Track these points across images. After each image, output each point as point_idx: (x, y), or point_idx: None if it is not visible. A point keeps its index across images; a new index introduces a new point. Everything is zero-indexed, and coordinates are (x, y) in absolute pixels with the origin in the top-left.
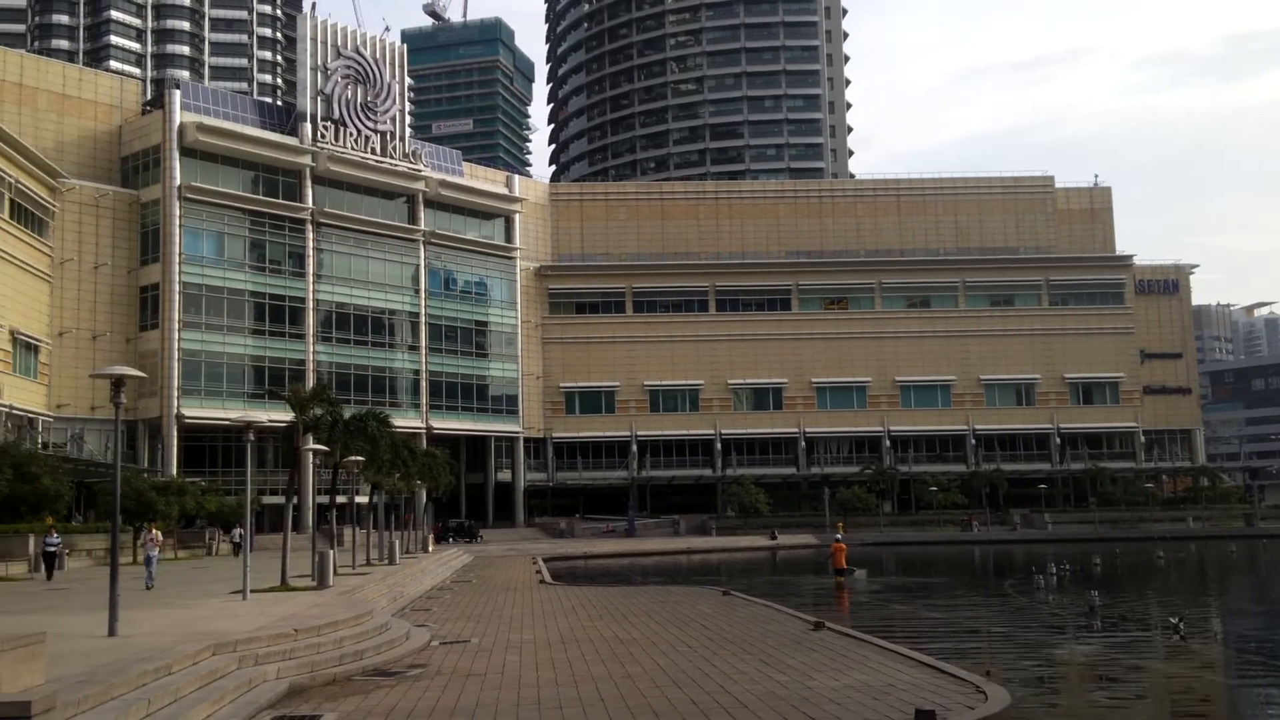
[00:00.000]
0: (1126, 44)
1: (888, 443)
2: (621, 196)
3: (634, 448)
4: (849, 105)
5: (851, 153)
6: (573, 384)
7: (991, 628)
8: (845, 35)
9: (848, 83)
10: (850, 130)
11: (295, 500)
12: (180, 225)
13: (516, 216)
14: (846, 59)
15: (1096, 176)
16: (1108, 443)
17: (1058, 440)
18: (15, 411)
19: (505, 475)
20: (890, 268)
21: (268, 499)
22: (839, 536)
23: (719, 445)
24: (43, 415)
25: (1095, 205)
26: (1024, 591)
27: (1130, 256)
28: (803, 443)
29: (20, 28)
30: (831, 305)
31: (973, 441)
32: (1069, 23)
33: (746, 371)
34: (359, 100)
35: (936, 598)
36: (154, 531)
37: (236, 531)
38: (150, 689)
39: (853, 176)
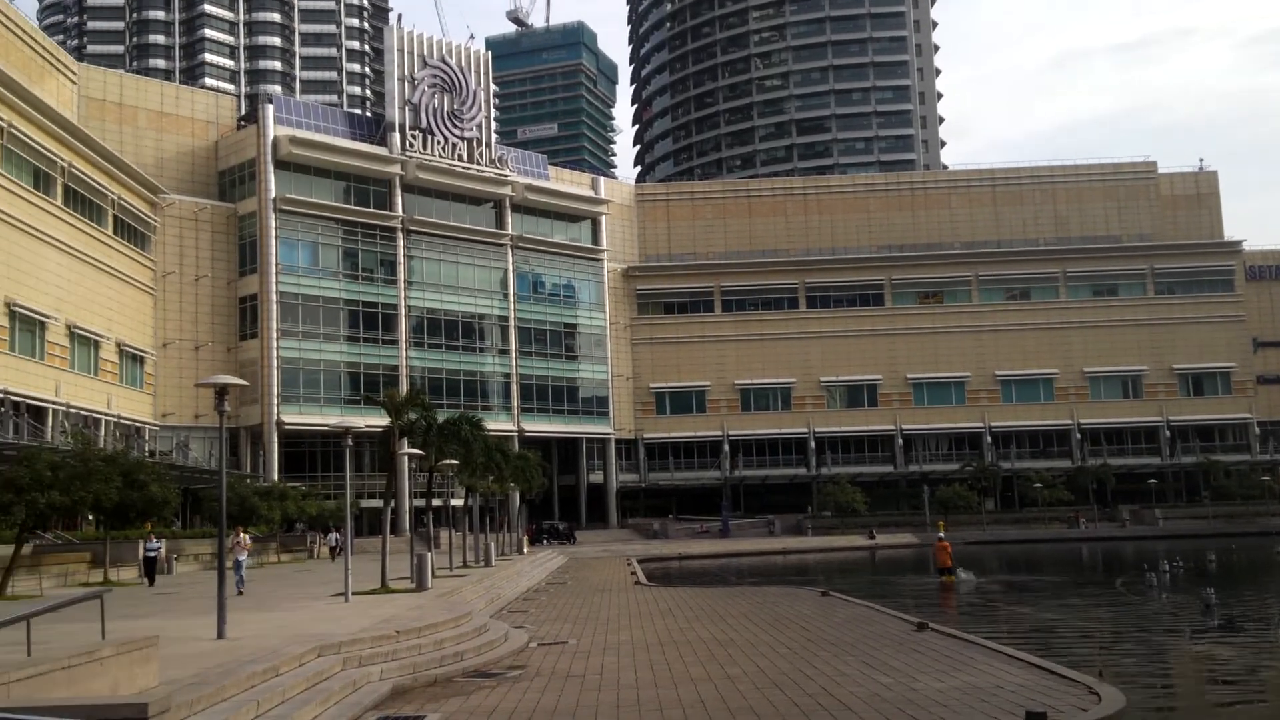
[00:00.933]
0: (1233, 23)
1: (989, 439)
2: (708, 195)
3: (726, 447)
4: (940, 95)
5: (944, 143)
6: (663, 384)
7: (1103, 627)
8: (934, 24)
9: (938, 72)
10: (942, 121)
11: (392, 504)
12: (276, 236)
13: (603, 218)
14: (936, 48)
15: (1201, 160)
16: (1220, 435)
17: (1167, 433)
18: (123, 421)
19: (597, 477)
20: (987, 259)
21: (365, 503)
22: (942, 535)
23: (813, 444)
24: (149, 424)
25: (1201, 190)
26: (1136, 590)
27: (1240, 242)
28: (899, 440)
29: (119, 49)
30: (926, 299)
31: (1078, 436)
32: (1173, 2)
33: (839, 368)
34: (445, 108)
35: (1044, 597)
36: (242, 536)
37: (333, 535)
38: (259, 690)
39: (945, 168)
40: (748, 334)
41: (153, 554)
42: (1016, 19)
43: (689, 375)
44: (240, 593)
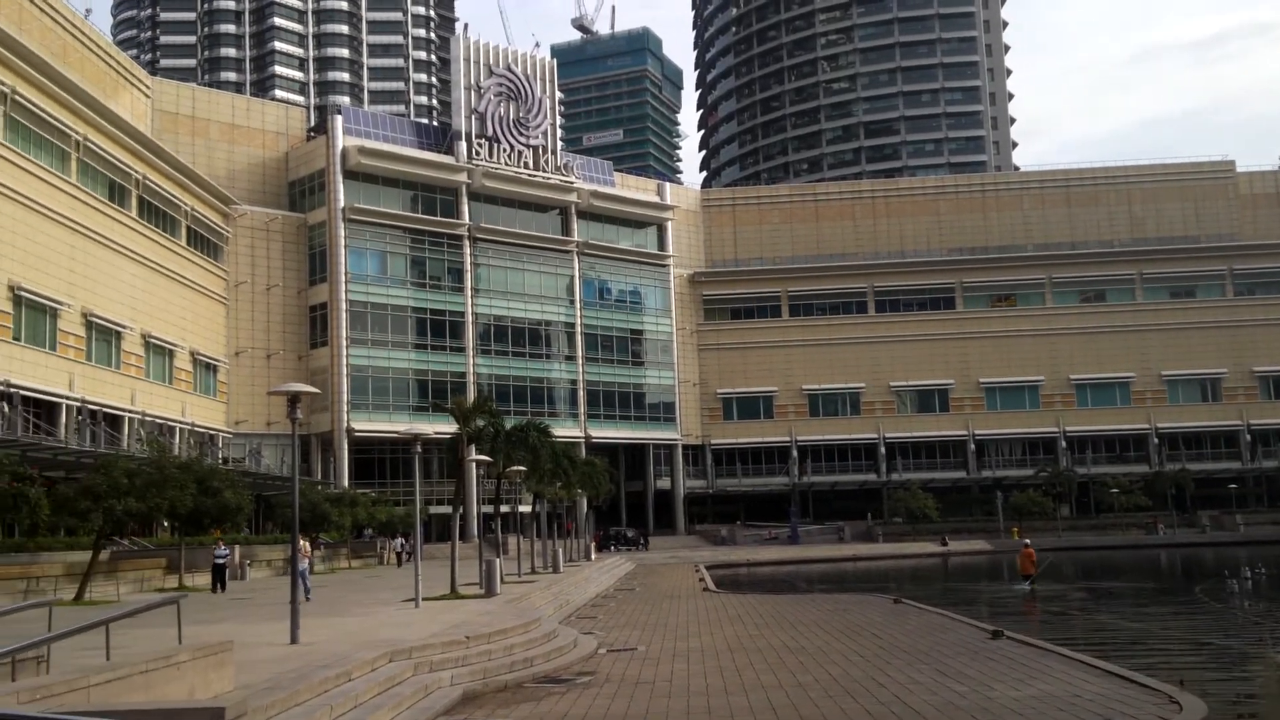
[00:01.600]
0: None
1: (1063, 444)
2: (774, 200)
3: (794, 453)
4: (1011, 96)
5: (1015, 144)
6: (730, 390)
7: (1183, 635)
8: (1005, 24)
9: (1009, 72)
10: (1013, 121)
11: (461, 510)
12: (345, 245)
13: (669, 224)
14: (1007, 48)
15: None
16: None
17: (1248, 437)
18: (197, 429)
19: (664, 483)
20: (1061, 262)
21: (434, 509)
22: (1027, 541)
23: (883, 449)
24: (222, 431)
25: None
26: (1217, 597)
27: None
28: (972, 445)
29: (191, 63)
30: (998, 302)
31: (1155, 440)
32: None
33: (910, 373)
34: (511, 116)
35: (1122, 604)
36: (304, 544)
37: (398, 541)
38: (332, 695)
39: (1017, 169)
40: (815, 339)
41: (221, 561)
42: (1090, 17)
43: (756, 381)
44: (307, 599)
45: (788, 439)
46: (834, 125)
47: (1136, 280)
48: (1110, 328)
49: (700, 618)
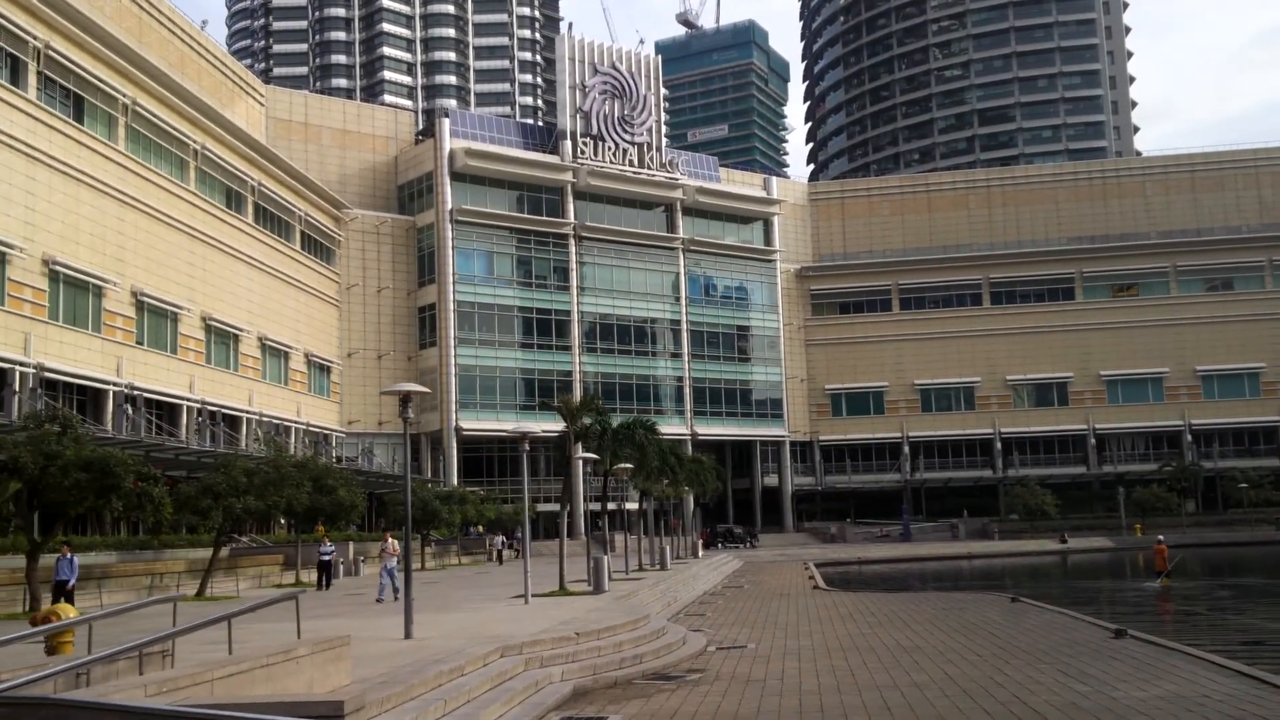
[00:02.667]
0: None
1: (1189, 437)
2: (884, 191)
3: (905, 449)
4: (1132, 79)
5: (1137, 129)
6: (838, 385)
7: None
8: (1125, 4)
9: (1130, 55)
10: (1134, 105)
11: (568, 508)
12: (453, 247)
13: (775, 218)
14: (1128, 30)
15: None
16: None
17: None
18: (312, 428)
19: (772, 480)
20: (1186, 249)
21: (542, 506)
22: (1161, 538)
23: (998, 445)
24: (335, 431)
25: None
26: None
27: None
28: (1092, 440)
29: (303, 70)
30: (1120, 292)
31: None
32: None
33: (1027, 366)
34: (616, 114)
35: (1253, 603)
36: (390, 541)
37: (500, 539)
38: (446, 690)
39: (1139, 154)
40: (928, 332)
41: (326, 558)
42: None
43: (866, 376)
44: (396, 598)
45: (899, 435)
46: (946, 114)
47: (1266, 267)
48: (1238, 316)
49: (811, 615)
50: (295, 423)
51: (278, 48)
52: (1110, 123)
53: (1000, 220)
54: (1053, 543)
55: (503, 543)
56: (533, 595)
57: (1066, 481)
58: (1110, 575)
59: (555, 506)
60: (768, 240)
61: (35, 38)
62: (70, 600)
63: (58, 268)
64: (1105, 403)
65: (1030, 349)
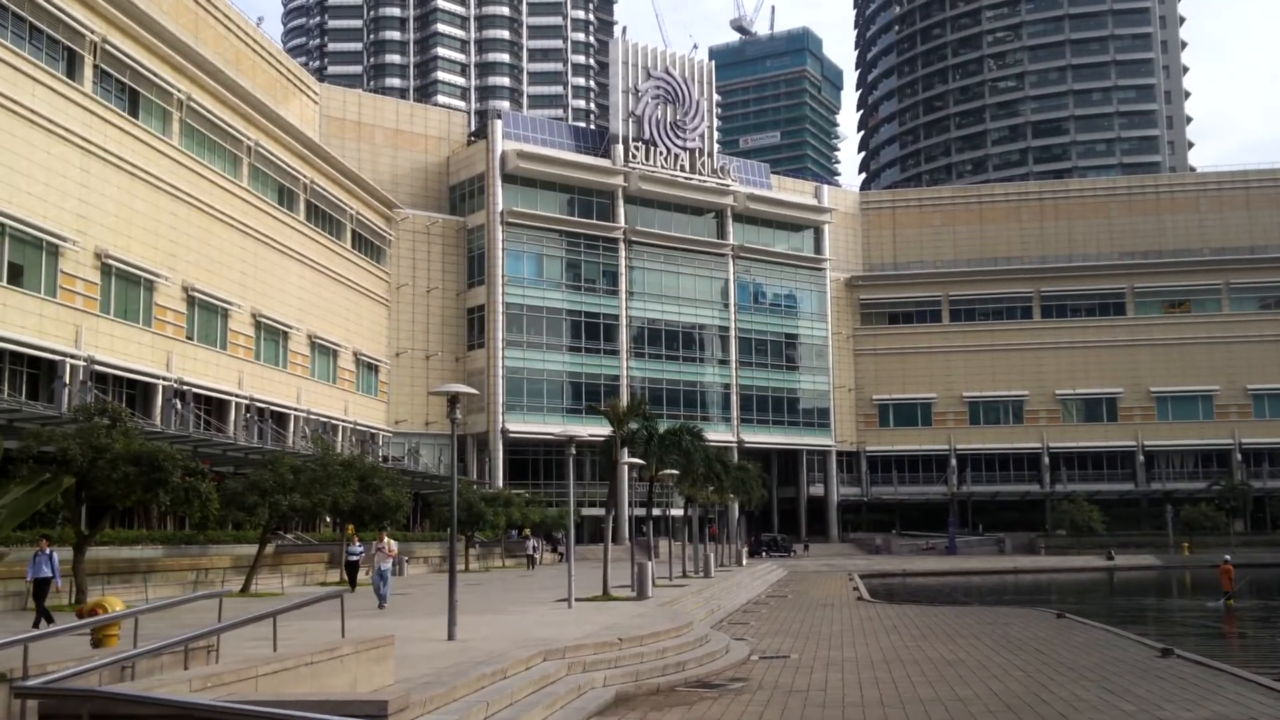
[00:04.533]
0: None
1: (1238, 456)
2: (936, 202)
3: (953, 461)
4: (1187, 94)
5: (1191, 144)
6: (886, 396)
7: None
8: (1181, 20)
9: (1185, 70)
10: (1189, 121)
11: (613, 512)
12: (503, 248)
13: (826, 227)
14: (1184, 45)
15: None
16: None
17: None
18: (359, 427)
19: (817, 489)
20: (1239, 266)
21: (586, 510)
22: (1227, 557)
23: (1046, 459)
24: (382, 430)
25: None
26: None
27: None
28: (1141, 456)
29: (357, 69)
30: (1172, 309)
31: None
32: None
33: (1076, 381)
34: (668, 119)
35: None
36: (386, 541)
37: (530, 543)
38: (488, 692)
39: (1193, 170)
40: (977, 345)
41: (355, 558)
42: (1272, 11)
43: (914, 387)
44: (381, 607)
45: (946, 447)
46: (1000, 125)
47: None
48: None
49: (854, 627)
50: (343, 421)
51: (332, 46)
52: (1165, 137)
53: (1052, 233)
54: (1099, 559)
55: (533, 546)
56: (576, 599)
57: (1114, 498)
58: (1157, 593)
59: (600, 511)
60: (818, 248)
61: (93, 31)
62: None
63: (110, 261)
64: (1155, 419)
65: (1080, 364)
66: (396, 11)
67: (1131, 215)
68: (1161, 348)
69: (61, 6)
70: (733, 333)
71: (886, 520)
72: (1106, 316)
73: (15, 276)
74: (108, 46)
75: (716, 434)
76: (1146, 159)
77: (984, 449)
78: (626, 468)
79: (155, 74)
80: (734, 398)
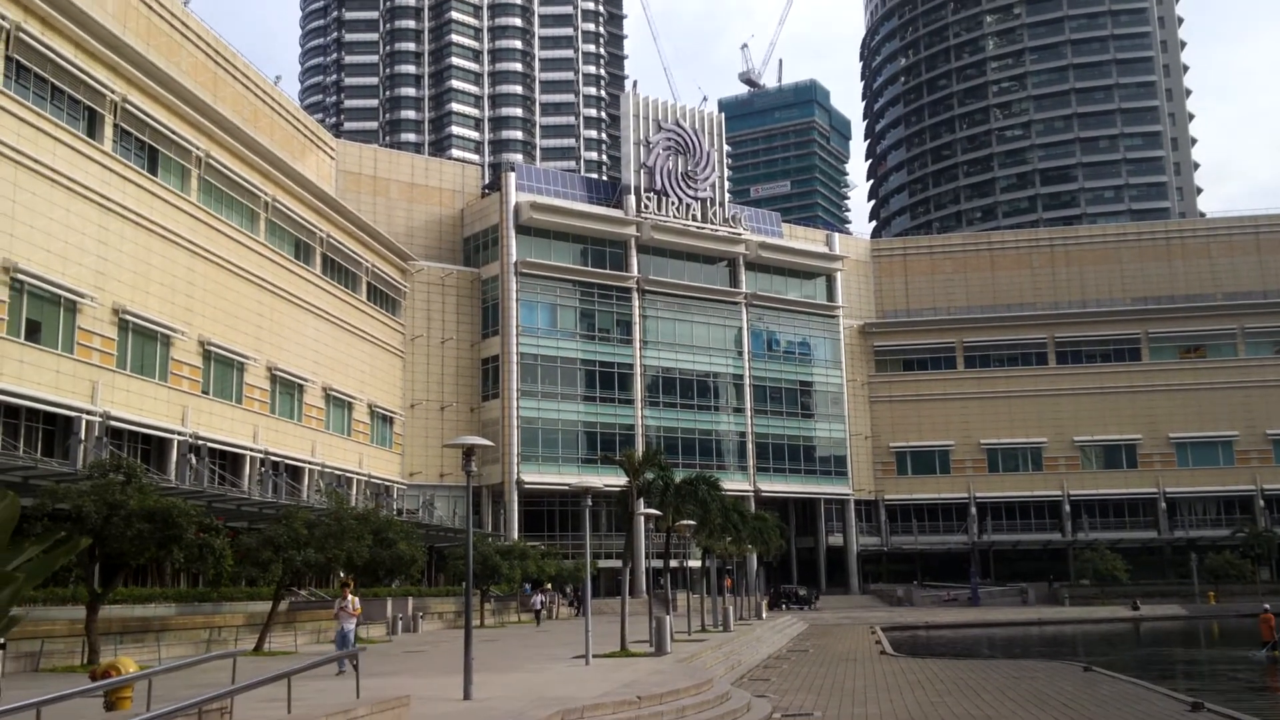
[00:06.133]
0: None
1: (1261, 503)
2: (947, 249)
3: (973, 510)
4: (1194, 140)
5: (1200, 190)
6: (903, 444)
7: None
8: (1185, 68)
9: (1191, 117)
10: (1197, 166)
11: (629, 564)
12: (517, 299)
13: (838, 274)
14: (1188, 92)
15: None
16: None
17: None
18: (374, 480)
19: (836, 539)
20: (1253, 311)
21: (603, 563)
22: (1266, 606)
23: (1067, 507)
24: (397, 483)
25: None
26: None
27: None
28: (1162, 503)
29: (373, 125)
30: (1187, 354)
31: None
32: None
33: (1094, 427)
34: (680, 170)
35: None
36: (350, 598)
37: (537, 599)
38: None
39: (1203, 215)
40: (993, 391)
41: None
42: (1275, 58)
43: (931, 434)
44: (340, 671)
45: (966, 495)
46: (1008, 173)
47: None
48: None
49: (878, 683)
50: (357, 474)
51: (349, 102)
52: (1173, 183)
53: (1064, 279)
54: (1124, 609)
55: (540, 601)
56: (594, 656)
57: (1137, 546)
58: (1183, 643)
59: (616, 563)
60: (830, 296)
61: (113, 91)
62: None
63: (127, 317)
64: (1175, 465)
65: (1097, 410)
66: (412, 69)
67: (1143, 261)
68: (1178, 393)
69: (83, 68)
70: (747, 380)
71: (907, 570)
72: (1122, 362)
73: (33, 333)
74: (128, 106)
75: (733, 483)
76: (1155, 205)
77: (1004, 497)
78: (643, 519)
79: (174, 132)
80: (750, 446)
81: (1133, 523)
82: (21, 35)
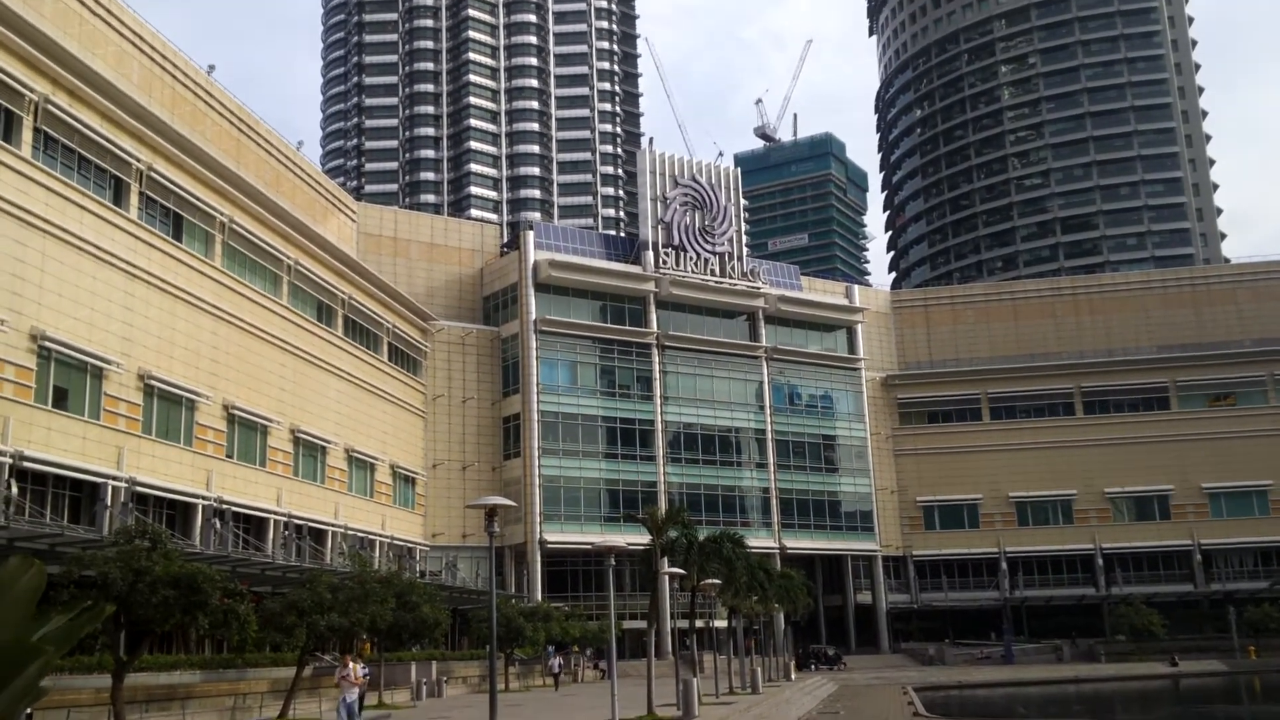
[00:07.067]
0: None
1: None
2: (968, 299)
3: (1003, 565)
4: (1215, 186)
5: (1224, 235)
6: (930, 497)
7: None
8: (1204, 113)
9: (1212, 163)
10: (1220, 212)
11: (654, 625)
12: (537, 356)
13: (859, 326)
14: (1208, 138)
15: None
16: None
17: None
18: (396, 541)
19: (865, 597)
20: None
21: (627, 624)
22: None
23: (1100, 560)
24: (419, 544)
25: None
26: None
27: None
28: (1197, 556)
29: (393, 187)
30: (1217, 402)
31: None
32: None
33: (1124, 478)
34: (697, 225)
35: None
36: (350, 666)
37: (555, 662)
38: None
39: (1228, 261)
40: (1020, 443)
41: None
42: None
43: (958, 487)
44: None
45: (996, 550)
46: (1028, 222)
47: None
48: None
49: None
50: (380, 536)
51: (369, 165)
52: (1196, 229)
53: (1089, 328)
54: (1162, 665)
55: (558, 665)
56: None
57: (1173, 600)
58: (1224, 699)
59: (641, 623)
60: (851, 348)
61: (139, 160)
62: None
63: (152, 382)
64: (1209, 516)
65: (1127, 460)
66: (430, 131)
67: (1168, 308)
68: (1209, 442)
69: (110, 138)
70: (769, 435)
71: (937, 627)
72: (1150, 411)
73: (60, 400)
74: (153, 174)
75: (757, 540)
76: (1179, 251)
77: (1034, 551)
78: (667, 578)
79: (199, 198)
80: (774, 502)
81: (1168, 576)
82: (50, 107)
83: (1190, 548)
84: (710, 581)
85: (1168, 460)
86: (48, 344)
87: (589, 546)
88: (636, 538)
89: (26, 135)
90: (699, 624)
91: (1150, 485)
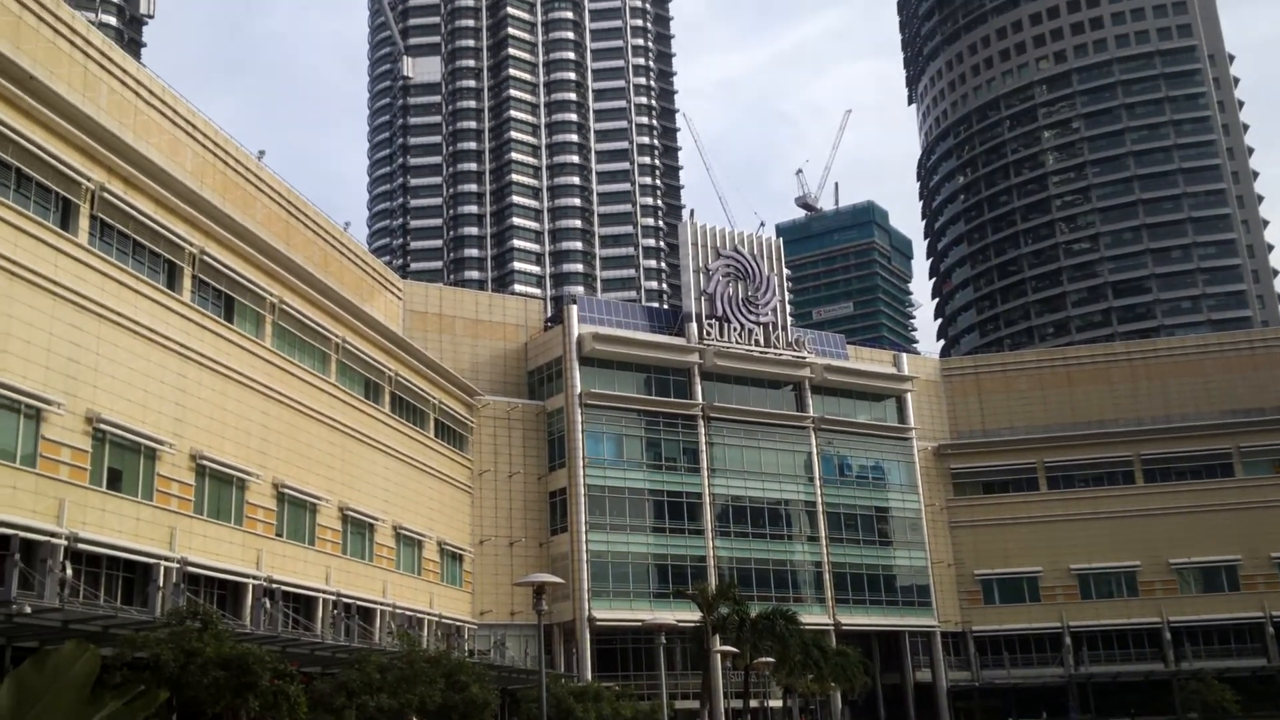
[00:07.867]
0: None
1: None
2: (1020, 366)
3: (1067, 640)
4: (1270, 247)
5: None
6: (988, 571)
7: None
8: (1255, 174)
9: (1265, 223)
10: (1276, 273)
11: (708, 706)
12: (582, 430)
13: (908, 395)
14: (1260, 198)
15: None
16: None
17: None
18: (444, 620)
19: (924, 674)
20: None
21: (679, 704)
22: None
23: (1168, 634)
24: (468, 623)
25: None
26: None
27: None
28: (1270, 628)
29: (438, 264)
30: None
31: None
32: None
33: (1190, 548)
34: (740, 296)
35: None
36: None
37: None
38: None
39: None
40: (1079, 513)
41: None
42: None
43: (1017, 560)
44: None
45: (1059, 624)
46: (1078, 287)
47: None
48: None
49: None
50: (428, 614)
51: (415, 243)
52: (1252, 291)
53: (1146, 393)
54: None
55: None
56: None
57: (1247, 675)
58: None
59: (693, 704)
60: (901, 418)
61: (191, 244)
62: None
63: (204, 462)
64: None
65: (1192, 529)
66: (474, 209)
67: (1228, 372)
68: (1277, 510)
69: (164, 223)
70: (820, 507)
71: (1000, 706)
72: (1214, 479)
73: (114, 481)
74: (205, 257)
75: (811, 616)
76: (1236, 314)
77: (1099, 625)
78: (719, 656)
79: (250, 280)
80: (826, 576)
81: (1240, 649)
82: (106, 195)
83: (1263, 620)
84: (764, 660)
85: (1234, 528)
86: (103, 426)
87: (639, 624)
88: (686, 614)
89: (83, 222)
90: (753, 704)
91: (1217, 555)
